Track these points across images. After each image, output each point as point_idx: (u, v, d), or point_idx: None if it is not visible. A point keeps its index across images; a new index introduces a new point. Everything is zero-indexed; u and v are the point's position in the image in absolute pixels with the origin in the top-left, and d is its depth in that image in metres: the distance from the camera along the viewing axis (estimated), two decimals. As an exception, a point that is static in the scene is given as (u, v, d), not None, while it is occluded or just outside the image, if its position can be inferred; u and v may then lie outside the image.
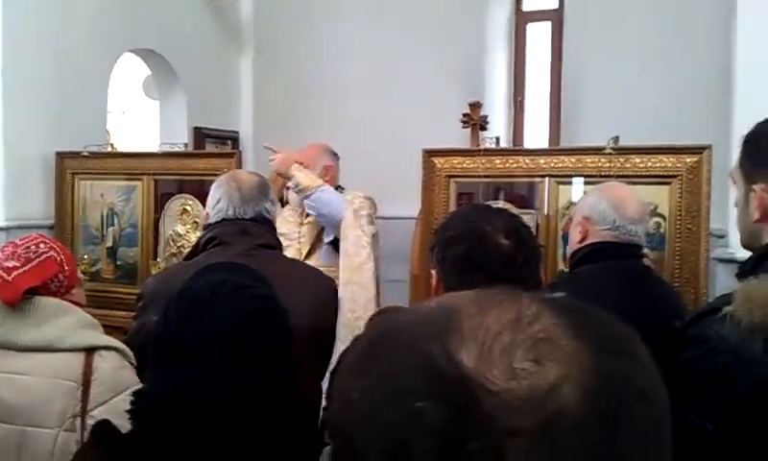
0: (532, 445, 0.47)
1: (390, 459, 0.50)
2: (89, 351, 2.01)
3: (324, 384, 2.36)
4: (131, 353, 2.12)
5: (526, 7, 6.54)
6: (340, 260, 3.32)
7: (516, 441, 0.47)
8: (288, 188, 3.61)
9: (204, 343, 1.37)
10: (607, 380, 0.50)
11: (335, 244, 3.50)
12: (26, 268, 2.04)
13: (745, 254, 1.66)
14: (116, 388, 2.00)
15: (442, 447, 0.48)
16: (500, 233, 1.53)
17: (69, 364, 1.98)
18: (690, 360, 1.42)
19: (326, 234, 3.58)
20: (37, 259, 2.07)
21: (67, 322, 2.04)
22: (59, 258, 2.13)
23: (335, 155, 3.83)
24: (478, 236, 1.53)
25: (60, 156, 4.50)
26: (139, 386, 2.05)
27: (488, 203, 3.40)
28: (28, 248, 2.09)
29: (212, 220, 2.45)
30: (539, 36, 6.48)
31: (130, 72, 6.26)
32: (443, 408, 0.49)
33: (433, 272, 1.61)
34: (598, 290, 2.08)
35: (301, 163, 3.58)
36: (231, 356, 1.37)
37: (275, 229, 2.55)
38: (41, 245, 2.11)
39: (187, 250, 3.99)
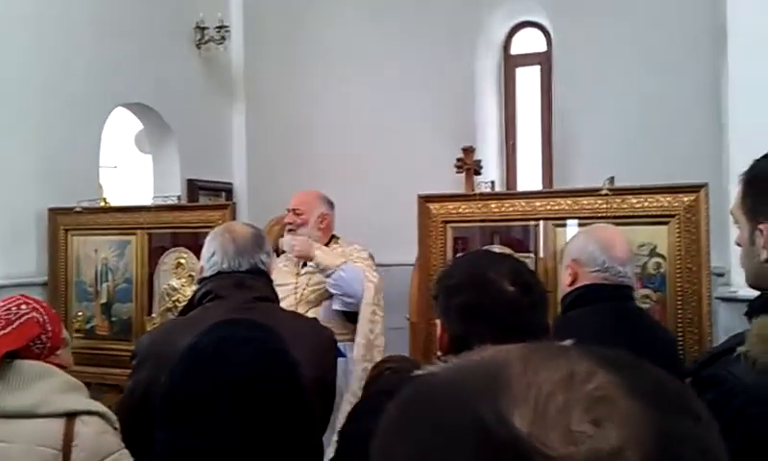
0: None
1: None
2: (71, 416, 1.96)
3: (327, 441, 2.30)
4: (113, 417, 2.07)
5: (514, 50, 6.61)
6: (360, 336, 3.55)
7: None
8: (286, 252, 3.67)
9: (213, 400, 1.33)
10: (669, 442, 0.47)
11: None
12: (6, 331, 1.99)
13: (749, 293, 1.63)
14: (98, 454, 1.95)
15: None
16: (505, 280, 1.50)
17: (49, 430, 1.93)
18: (709, 403, 1.38)
19: (335, 303, 3.61)
20: (18, 321, 2.02)
21: (49, 386, 1.99)
22: (41, 319, 2.08)
23: (330, 203, 3.83)
24: (482, 283, 1.50)
25: (53, 211, 4.48)
26: (122, 451, 2.02)
27: (487, 248, 3.38)
28: (9, 310, 2.04)
29: (207, 273, 2.41)
30: (528, 79, 6.54)
31: (121, 126, 6.27)
32: None
33: (437, 321, 1.57)
34: (589, 334, 2.04)
35: (300, 213, 3.62)
36: (241, 413, 1.32)
37: (270, 280, 2.51)
38: (23, 306, 2.07)
39: (183, 304, 3.95)
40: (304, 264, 3.77)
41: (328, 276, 3.54)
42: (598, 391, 0.48)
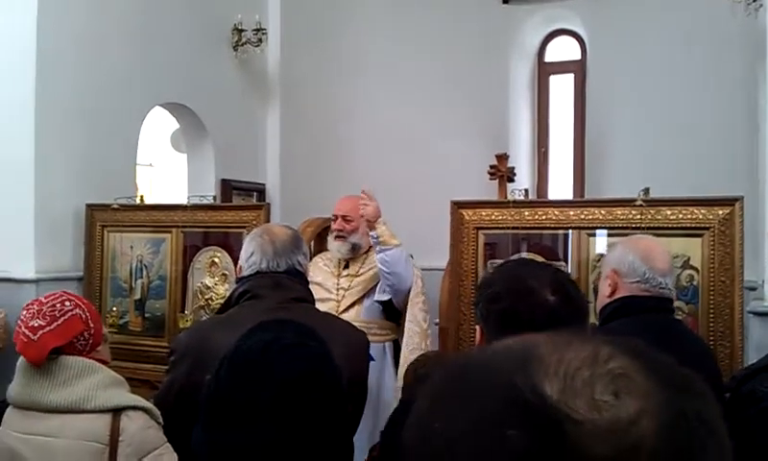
0: None
1: None
2: (116, 411, 1.99)
3: (365, 440, 2.33)
4: (157, 413, 2.10)
5: (549, 58, 6.60)
6: (409, 325, 3.60)
7: None
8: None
9: (258, 405, 1.35)
10: (681, 416, 0.54)
11: (384, 303, 3.66)
12: (51, 327, 2.03)
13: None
14: (143, 448, 1.98)
15: None
16: (546, 289, 1.51)
17: (96, 425, 1.96)
18: (748, 418, 1.39)
19: (379, 292, 3.63)
20: (63, 318, 2.06)
21: (93, 381, 2.02)
22: (84, 316, 2.11)
23: None
24: (523, 292, 1.51)
25: (91, 208, 4.55)
26: (166, 444, 2.05)
27: (523, 255, 3.39)
28: (53, 306, 2.07)
29: (246, 273, 2.45)
30: (561, 87, 6.52)
31: (157, 125, 6.36)
32: (530, 436, 0.52)
33: (477, 327, 1.59)
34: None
35: (350, 220, 3.74)
36: (285, 417, 1.35)
37: (307, 281, 2.54)
38: (66, 302, 2.10)
39: (216, 302, 4.01)
40: (346, 265, 3.82)
41: (382, 251, 3.56)
42: (618, 369, 0.55)
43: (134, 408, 2.03)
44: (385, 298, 3.64)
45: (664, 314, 2.39)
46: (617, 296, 2.39)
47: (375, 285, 3.75)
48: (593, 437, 0.51)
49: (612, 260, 2.46)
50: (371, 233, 3.63)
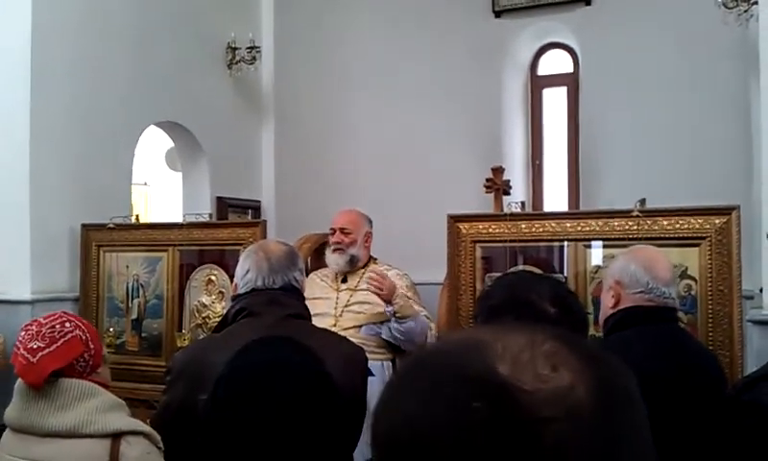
0: (561, 427, 0.61)
1: (448, 453, 0.62)
2: (116, 436, 1.96)
3: (363, 455, 2.31)
4: (158, 437, 2.06)
5: (541, 72, 6.62)
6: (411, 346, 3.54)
7: (549, 425, 0.61)
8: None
9: (258, 424, 1.33)
10: (605, 384, 0.66)
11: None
12: (51, 349, 1.99)
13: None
14: None
15: (493, 437, 0.61)
16: (546, 301, 1.50)
17: (95, 451, 1.93)
18: (750, 427, 1.38)
19: (387, 335, 3.62)
20: (62, 339, 2.02)
21: (92, 405, 1.98)
22: (84, 337, 2.07)
23: (371, 221, 3.86)
24: (523, 304, 1.50)
25: (86, 228, 4.54)
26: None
27: (522, 268, 3.39)
28: (53, 327, 2.03)
29: (241, 290, 2.43)
30: (555, 100, 6.53)
31: (152, 144, 6.36)
32: (492, 406, 0.62)
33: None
34: (636, 356, 2.02)
35: (348, 232, 3.67)
36: (286, 436, 1.33)
37: (303, 297, 2.53)
38: (66, 323, 2.06)
39: (213, 320, 3.99)
40: (344, 279, 3.80)
41: (399, 323, 3.55)
42: (552, 349, 0.66)
43: (134, 433, 1.99)
44: (391, 341, 3.63)
45: (669, 324, 2.38)
46: (621, 307, 2.37)
47: (381, 317, 3.69)
48: (542, 402, 0.62)
49: (615, 271, 2.45)
50: (387, 309, 3.58)
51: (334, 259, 3.77)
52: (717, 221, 3.10)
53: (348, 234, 3.77)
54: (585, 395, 0.63)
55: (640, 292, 2.34)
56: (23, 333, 2.05)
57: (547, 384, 0.63)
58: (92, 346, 2.10)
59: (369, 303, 3.67)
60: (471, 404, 0.62)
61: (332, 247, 3.80)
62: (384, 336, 3.62)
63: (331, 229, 3.83)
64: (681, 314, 3.04)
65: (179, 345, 4.02)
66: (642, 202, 3.23)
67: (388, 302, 3.55)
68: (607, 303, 2.43)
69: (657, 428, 0.70)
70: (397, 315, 3.54)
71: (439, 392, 0.66)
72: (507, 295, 1.56)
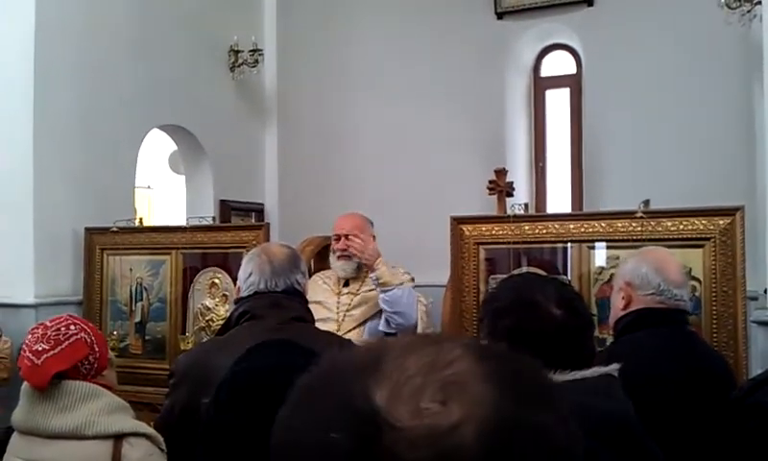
0: None
1: None
2: (118, 437, 1.97)
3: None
4: (160, 439, 2.07)
5: (544, 73, 6.61)
6: None
7: None
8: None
9: (262, 429, 1.32)
10: (507, 425, 0.55)
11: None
12: (55, 351, 2.00)
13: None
14: None
15: None
16: (552, 303, 1.50)
17: (97, 452, 1.94)
18: (752, 430, 1.37)
19: (384, 325, 3.61)
20: (67, 342, 2.03)
21: (96, 407, 1.99)
22: (89, 340, 2.09)
23: (371, 223, 3.85)
24: (529, 307, 1.50)
25: (89, 231, 4.54)
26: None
27: (527, 269, 3.38)
28: (58, 330, 2.05)
29: (244, 294, 2.44)
30: (558, 101, 6.53)
31: (155, 148, 6.37)
32: (352, 440, 0.55)
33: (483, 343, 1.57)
34: (646, 359, 2.02)
35: (356, 236, 3.63)
36: None
37: (306, 300, 2.53)
38: (72, 326, 2.08)
39: (216, 323, 3.99)
40: (346, 283, 3.78)
41: (384, 291, 3.53)
42: (453, 376, 0.57)
43: (137, 435, 2.00)
44: (391, 332, 3.61)
45: (680, 326, 2.37)
46: (632, 308, 2.36)
47: (378, 311, 3.69)
48: (409, 443, 0.53)
49: (626, 273, 2.44)
50: (370, 275, 3.59)
51: (340, 265, 3.75)
52: (721, 222, 3.08)
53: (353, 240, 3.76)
54: (471, 437, 0.53)
55: (652, 294, 2.33)
56: (29, 336, 2.07)
57: (425, 421, 0.54)
58: (97, 349, 2.11)
59: (369, 303, 3.68)
60: (330, 435, 0.56)
61: (337, 253, 3.77)
62: (381, 328, 3.61)
63: (336, 235, 3.80)
64: (688, 316, 3.04)
65: (182, 348, 4.02)
66: (646, 203, 3.22)
67: (370, 267, 3.56)
68: (617, 304, 2.42)
69: (665, 429, 0.67)
70: (380, 281, 3.52)
71: (319, 414, 0.60)
72: (513, 297, 1.55)
